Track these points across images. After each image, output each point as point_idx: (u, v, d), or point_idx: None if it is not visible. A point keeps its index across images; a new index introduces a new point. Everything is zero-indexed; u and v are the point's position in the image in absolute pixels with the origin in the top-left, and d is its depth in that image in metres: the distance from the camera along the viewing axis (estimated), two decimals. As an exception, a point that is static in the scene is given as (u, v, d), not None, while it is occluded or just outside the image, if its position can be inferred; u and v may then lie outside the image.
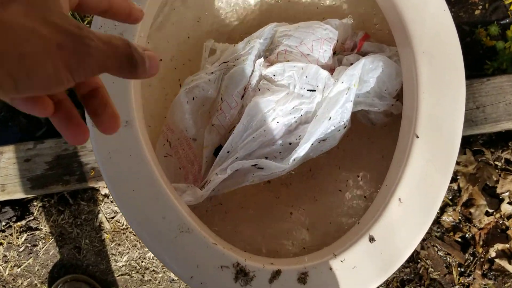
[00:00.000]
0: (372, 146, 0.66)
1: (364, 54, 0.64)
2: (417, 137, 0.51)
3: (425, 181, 0.51)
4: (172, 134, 0.62)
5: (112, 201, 0.96)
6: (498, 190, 1.03)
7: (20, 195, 0.92)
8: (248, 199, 0.67)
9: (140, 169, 0.50)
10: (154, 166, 0.50)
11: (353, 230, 0.54)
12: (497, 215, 1.04)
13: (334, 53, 0.65)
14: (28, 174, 0.92)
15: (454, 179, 1.04)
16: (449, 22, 0.53)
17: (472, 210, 1.04)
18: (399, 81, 0.58)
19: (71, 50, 0.26)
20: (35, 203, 0.97)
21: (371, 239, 0.50)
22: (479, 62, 1.07)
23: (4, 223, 0.96)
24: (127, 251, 0.96)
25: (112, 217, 0.96)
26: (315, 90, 0.56)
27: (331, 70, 0.64)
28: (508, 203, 1.04)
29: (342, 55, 0.65)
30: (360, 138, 0.67)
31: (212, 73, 0.61)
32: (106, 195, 0.96)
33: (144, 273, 0.97)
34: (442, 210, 1.04)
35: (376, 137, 0.66)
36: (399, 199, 0.50)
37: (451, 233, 1.04)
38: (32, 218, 0.97)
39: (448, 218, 1.04)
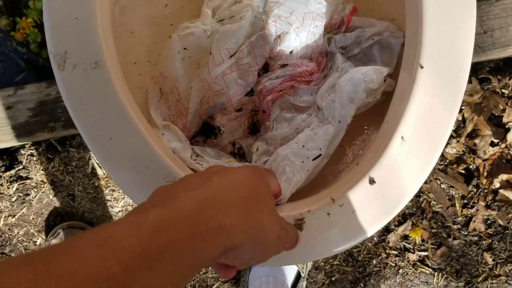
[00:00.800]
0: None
1: (352, 30, 0.59)
2: (422, 67, 0.46)
3: (430, 117, 0.46)
4: (164, 80, 0.58)
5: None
6: (505, 119, 0.99)
7: (5, 144, 0.89)
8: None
9: (115, 115, 0.45)
10: (132, 112, 0.46)
11: (352, 171, 0.50)
12: (503, 145, 1.00)
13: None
14: (11, 122, 0.88)
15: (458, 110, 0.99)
16: None
17: (476, 141, 1.00)
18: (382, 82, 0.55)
19: (283, 239, 0.38)
20: (22, 152, 0.93)
21: (371, 181, 0.46)
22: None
23: (-7, 174, 0.93)
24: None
25: (104, 163, 0.93)
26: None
27: (321, 54, 0.61)
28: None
29: (331, 33, 0.61)
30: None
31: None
32: (95, 141, 0.92)
33: (141, 217, 0.95)
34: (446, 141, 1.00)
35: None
36: (402, 137, 0.46)
37: (455, 165, 1.01)
38: (21, 167, 0.93)
39: (451, 150, 1.01)
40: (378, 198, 0.46)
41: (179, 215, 0.28)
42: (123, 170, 0.46)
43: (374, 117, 0.57)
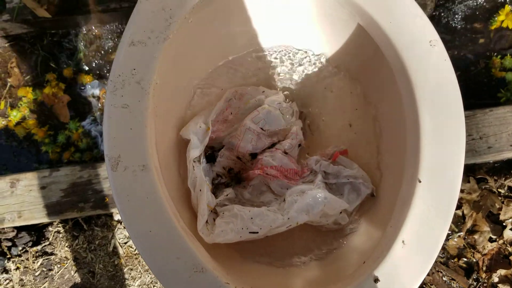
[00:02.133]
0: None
1: (337, 164, 0.72)
2: (420, 181, 0.54)
3: (427, 224, 0.53)
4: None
5: (125, 227, 0.99)
6: (501, 217, 1.05)
7: (36, 221, 0.96)
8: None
9: (155, 211, 0.53)
10: (169, 209, 0.53)
11: (359, 269, 0.56)
12: (500, 241, 1.05)
13: None
14: (44, 201, 0.96)
15: (458, 206, 1.06)
16: (450, 72, 0.55)
17: (476, 237, 1.06)
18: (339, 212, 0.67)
19: None
20: (50, 229, 1.00)
21: (376, 280, 0.52)
22: (483, 92, 1.09)
23: (20, 248, 0.99)
24: (139, 275, 0.99)
25: (125, 243, 0.99)
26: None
27: (307, 168, 0.74)
28: (511, 229, 1.06)
29: (320, 158, 0.74)
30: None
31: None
32: (119, 221, 0.99)
33: (155, 297, 0.99)
34: (447, 236, 1.06)
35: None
36: (403, 241, 0.53)
37: (456, 259, 1.06)
38: (47, 243, 1.00)
39: (452, 244, 1.06)
40: (382, 295, 0.52)
41: None
42: (157, 258, 0.52)
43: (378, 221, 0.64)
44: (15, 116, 1.04)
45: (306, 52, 0.76)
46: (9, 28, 1.02)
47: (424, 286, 1.04)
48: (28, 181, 0.97)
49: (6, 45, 1.05)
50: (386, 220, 0.58)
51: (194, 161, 0.67)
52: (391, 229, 0.56)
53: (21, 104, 1.05)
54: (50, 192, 0.96)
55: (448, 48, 1.12)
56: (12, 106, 1.05)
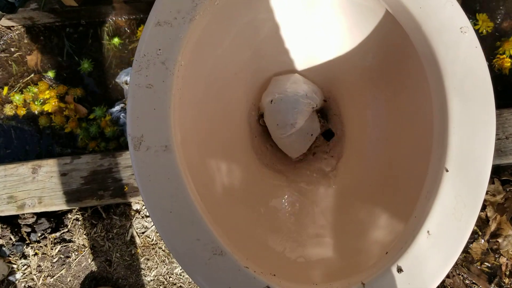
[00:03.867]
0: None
1: None
2: (447, 170, 0.52)
3: (453, 215, 0.52)
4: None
5: (143, 217, 0.99)
6: (527, 221, 1.02)
7: (55, 207, 0.96)
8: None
9: (177, 192, 0.52)
10: (190, 190, 0.53)
11: (382, 260, 0.55)
12: (526, 246, 1.03)
13: None
14: (64, 188, 0.96)
15: (482, 208, 1.04)
16: (481, 60, 0.54)
17: (500, 240, 1.03)
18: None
19: None
20: (69, 216, 1.01)
21: (399, 270, 0.51)
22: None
23: (39, 234, 1.00)
24: (156, 266, 0.99)
25: (143, 232, 0.99)
26: None
27: None
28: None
29: None
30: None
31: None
32: (137, 211, 0.99)
33: (171, 288, 0.99)
34: (470, 239, 1.04)
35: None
36: (428, 232, 0.51)
37: (478, 263, 1.04)
38: (66, 230, 1.00)
39: (476, 248, 1.04)
40: (404, 285, 0.50)
41: None
42: (177, 239, 0.52)
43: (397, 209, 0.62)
44: (18, 100, 1.04)
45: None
46: (37, 17, 1.03)
47: (444, 288, 1.01)
48: (49, 168, 0.97)
49: (33, 33, 1.07)
50: (409, 211, 0.57)
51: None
52: (415, 219, 0.54)
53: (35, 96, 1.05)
54: (70, 179, 0.97)
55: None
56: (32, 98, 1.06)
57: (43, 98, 1.04)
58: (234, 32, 0.70)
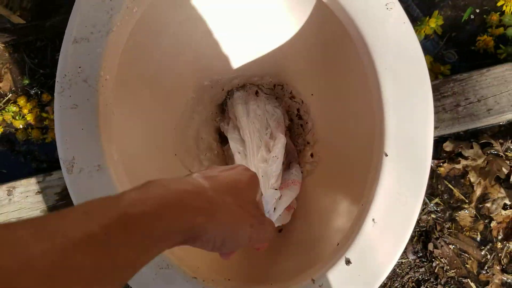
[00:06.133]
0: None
1: None
2: (386, 155, 0.51)
3: (398, 200, 0.50)
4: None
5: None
6: (512, 181, 1.00)
7: (35, 226, 0.96)
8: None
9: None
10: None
11: (333, 252, 0.54)
12: (516, 208, 1.00)
13: None
14: (40, 206, 0.96)
15: (464, 174, 1.02)
16: (411, 36, 0.51)
17: (488, 205, 1.01)
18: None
19: (257, 229, 0.40)
20: (51, 233, 1.01)
21: (348, 262, 0.50)
22: (479, 54, 1.04)
23: (24, 254, 1.00)
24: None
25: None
26: None
27: None
28: (528, 193, 1.01)
29: None
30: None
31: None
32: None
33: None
34: (457, 207, 1.02)
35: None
36: (373, 220, 0.50)
37: (467, 230, 1.02)
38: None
39: (463, 215, 1.02)
40: (354, 277, 0.49)
41: (149, 196, 0.33)
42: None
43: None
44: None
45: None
46: (-9, 38, 1.02)
47: (433, 259, 1.00)
48: (23, 188, 0.97)
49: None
50: (360, 198, 0.55)
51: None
52: (361, 207, 0.53)
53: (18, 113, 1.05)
54: (45, 197, 0.97)
55: (441, 8, 1.06)
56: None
57: (25, 112, 1.05)
58: (171, 32, 0.68)
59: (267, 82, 0.80)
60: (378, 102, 0.52)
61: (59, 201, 0.96)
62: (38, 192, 0.97)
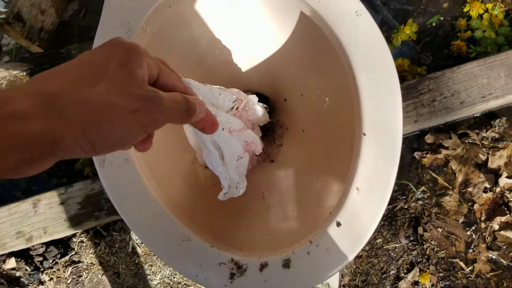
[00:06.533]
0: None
1: None
2: (365, 134, 0.61)
3: (376, 171, 0.60)
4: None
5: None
6: (490, 166, 1.10)
7: (60, 234, 1.06)
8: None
9: (141, 195, 0.62)
10: (153, 191, 0.62)
11: (327, 219, 0.64)
12: (497, 190, 1.10)
13: None
14: (64, 215, 1.06)
15: (445, 163, 1.12)
16: (378, 36, 0.63)
17: (470, 189, 1.11)
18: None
19: (146, 112, 0.33)
20: (74, 240, 1.11)
21: (338, 224, 0.60)
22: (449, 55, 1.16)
23: (51, 261, 1.10)
24: (159, 270, 1.09)
25: (142, 243, 1.09)
26: None
27: None
28: (506, 177, 1.11)
29: None
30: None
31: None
32: (133, 224, 1.10)
33: (177, 287, 1.08)
34: (442, 193, 1.12)
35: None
36: (357, 188, 0.60)
37: (452, 214, 1.12)
38: (74, 253, 1.10)
39: (448, 200, 1.12)
40: (345, 236, 0.59)
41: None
42: (149, 234, 0.61)
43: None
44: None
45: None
46: (11, 67, 1.14)
47: (424, 242, 1.10)
48: (48, 200, 1.07)
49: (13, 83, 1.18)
50: (346, 174, 0.66)
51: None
52: (348, 180, 0.63)
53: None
54: (68, 207, 1.07)
55: (414, 16, 1.19)
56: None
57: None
58: (177, 49, 0.79)
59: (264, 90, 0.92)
60: (356, 93, 0.63)
61: (81, 209, 1.06)
62: (61, 203, 1.07)
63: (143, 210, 0.62)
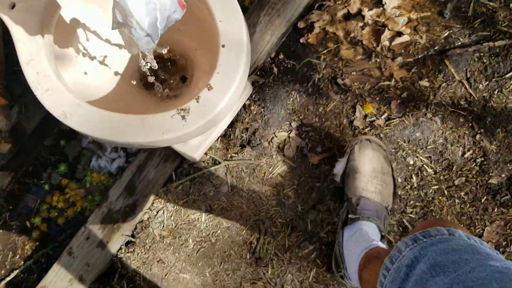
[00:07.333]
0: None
1: None
2: (223, 46, 0.98)
3: (229, 60, 0.94)
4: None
5: (154, 216, 1.45)
6: (352, 12, 1.43)
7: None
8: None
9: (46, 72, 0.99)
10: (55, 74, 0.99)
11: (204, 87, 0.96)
12: (370, 22, 1.42)
13: None
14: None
15: (326, 33, 1.45)
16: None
17: (352, 35, 1.40)
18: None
19: None
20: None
21: (209, 88, 0.95)
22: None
23: None
24: (188, 234, 1.45)
25: (163, 226, 1.45)
26: None
27: None
28: (368, 11, 1.43)
29: None
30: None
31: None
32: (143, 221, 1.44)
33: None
34: (337, 51, 1.43)
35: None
36: (218, 73, 0.95)
37: (353, 57, 1.43)
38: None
39: (344, 52, 1.43)
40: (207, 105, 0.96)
41: None
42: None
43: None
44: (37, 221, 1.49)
45: None
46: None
47: (350, 87, 1.40)
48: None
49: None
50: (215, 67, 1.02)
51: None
52: (215, 70, 0.99)
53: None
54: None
55: None
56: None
57: (57, 206, 1.49)
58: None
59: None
60: (215, 24, 0.99)
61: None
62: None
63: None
